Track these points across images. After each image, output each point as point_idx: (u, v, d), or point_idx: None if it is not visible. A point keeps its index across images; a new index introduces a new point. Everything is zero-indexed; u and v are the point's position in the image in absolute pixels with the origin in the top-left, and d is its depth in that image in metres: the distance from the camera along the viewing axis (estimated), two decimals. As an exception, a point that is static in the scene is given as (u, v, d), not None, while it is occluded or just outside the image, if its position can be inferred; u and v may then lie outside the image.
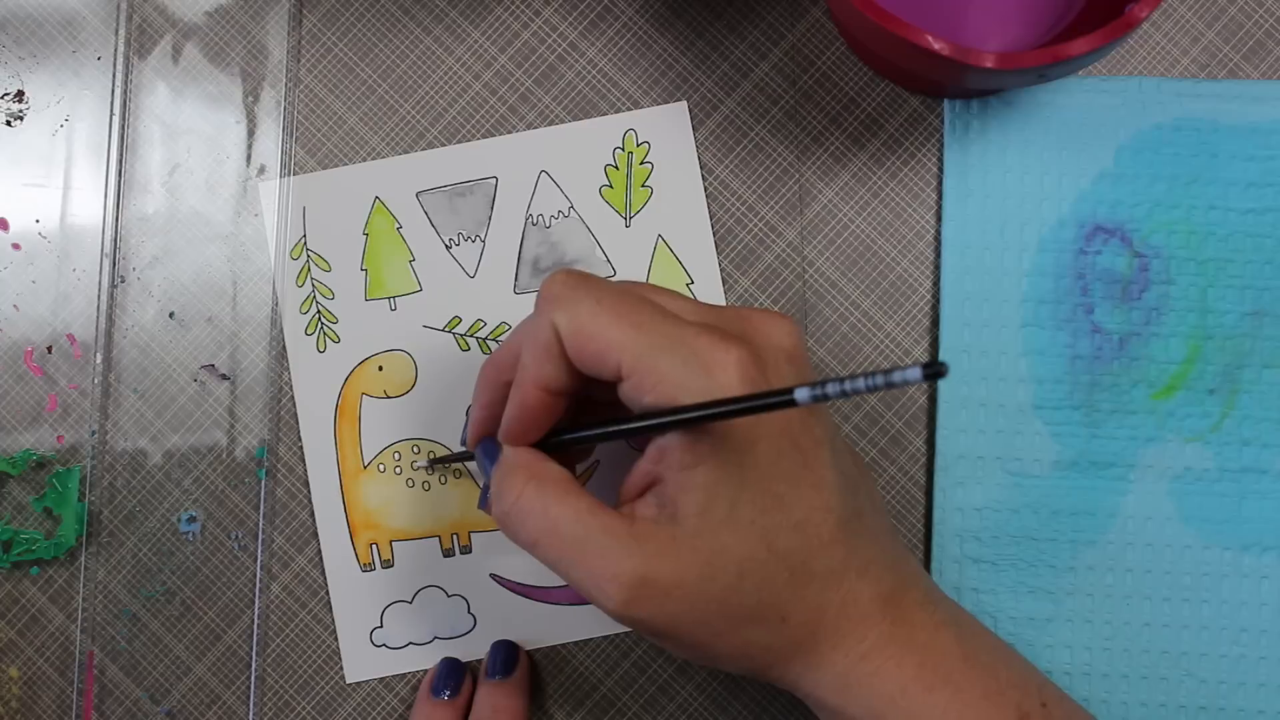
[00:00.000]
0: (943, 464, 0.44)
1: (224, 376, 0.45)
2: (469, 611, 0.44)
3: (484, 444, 0.38)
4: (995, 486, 0.44)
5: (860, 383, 0.27)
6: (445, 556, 0.44)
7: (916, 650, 0.34)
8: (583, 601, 0.44)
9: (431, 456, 0.44)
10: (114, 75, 0.45)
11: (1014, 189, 0.44)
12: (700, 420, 0.32)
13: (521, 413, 0.35)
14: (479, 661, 0.44)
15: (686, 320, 0.34)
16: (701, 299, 0.45)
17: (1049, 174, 0.44)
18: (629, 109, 0.45)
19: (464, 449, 0.43)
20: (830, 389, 0.28)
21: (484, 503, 0.37)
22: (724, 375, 0.32)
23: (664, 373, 0.32)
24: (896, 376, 0.27)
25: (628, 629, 0.44)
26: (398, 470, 0.45)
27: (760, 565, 0.33)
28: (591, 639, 0.44)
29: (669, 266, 0.45)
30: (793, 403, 0.29)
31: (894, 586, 0.35)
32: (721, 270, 0.45)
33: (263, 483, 0.45)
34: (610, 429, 0.35)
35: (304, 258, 0.45)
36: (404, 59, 0.46)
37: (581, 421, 0.36)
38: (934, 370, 0.26)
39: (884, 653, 0.34)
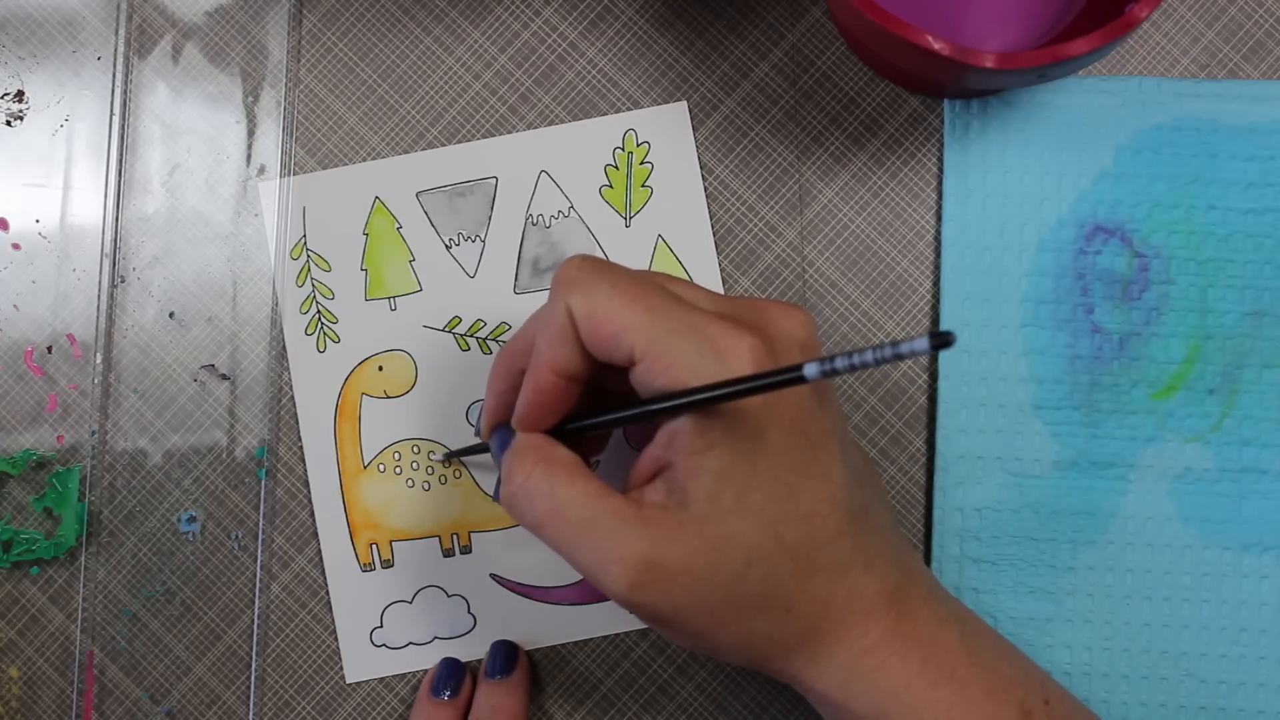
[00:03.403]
0: (943, 464, 0.44)
1: (224, 376, 0.45)
2: (469, 611, 0.44)
3: (498, 432, 0.38)
4: (995, 486, 0.44)
5: (869, 355, 0.27)
6: (445, 556, 0.44)
7: (920, 646, 0.34)
8: (583, 601, 0.44)
9: (447, 450, 0.44)
10: (114, 75, 0.45)
11: (1014, 189, 0.44)
12: (711, 401, 0.31)
13: (535, 397, 0.35)
14: (479, 661, 0.44)
15: (701, 308, 0.34)
16: (701, 299, 0.45)
17: (1049, 174, 0.44)
18: (629, 109, 0.45)
19: (479, 441, 0.43)
20: (839, 363, 0.28)
21: (498, 492, 0.37)
22: (736, 362, 0.32)
23: (676, 357, 0.32)
24: (904, 348, 0.26)
25: (628, 629, 0.44)
26: (398, 470, 0.45)
27: (767, 554, 0.33)
28: (591, 639, 0.44)
29: (669, 266, 0.45)
30: (802, 379, 0.29)
31: (899, 582, 0.35)
32: (721, 270, 0.45)
33: (263, 483, 0.45)
34: (621, 414, 0.34)
35: (304, 258, 0.45)
36: (404, 59, 0.46)
37: (594, 412, 0.36)
38: (941, 340, 0.26)
39: (888, 648, 0.34)
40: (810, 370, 0.29)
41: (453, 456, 0.44)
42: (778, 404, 0.33)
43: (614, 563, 0.32)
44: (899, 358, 0.27)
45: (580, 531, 0.33)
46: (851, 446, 0.36)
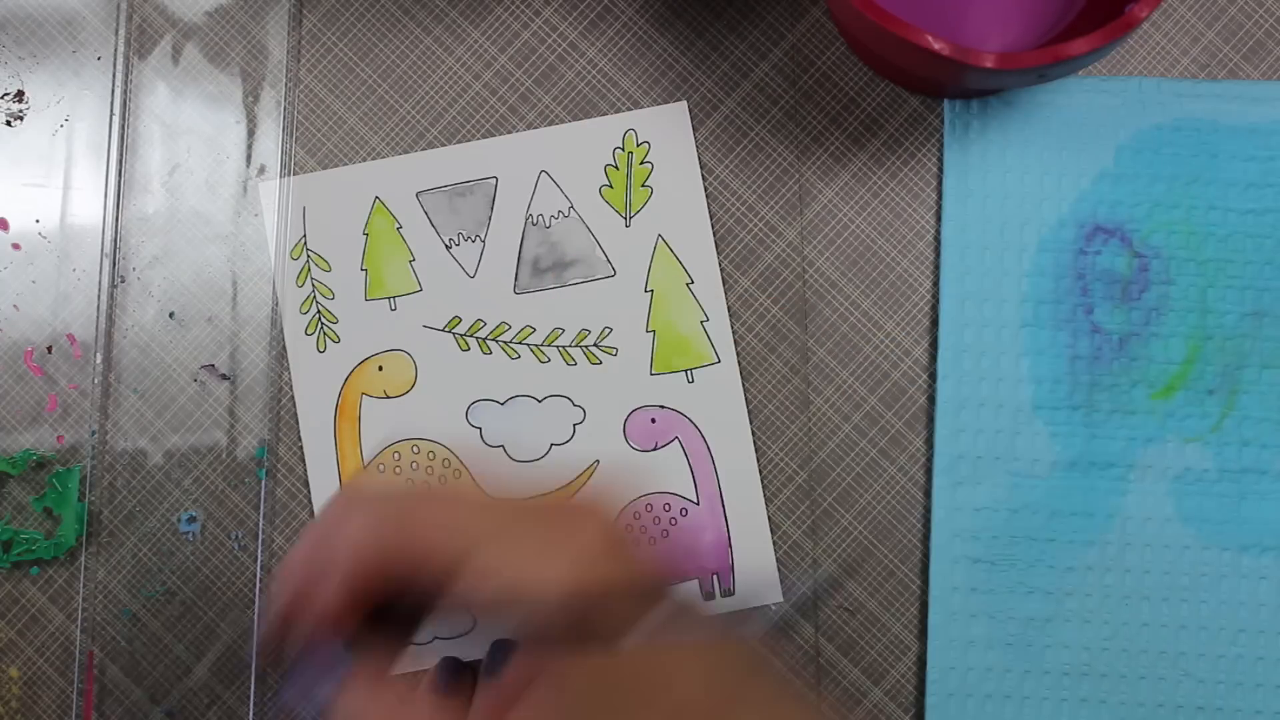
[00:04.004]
0: (943, 464, 0.44)
1: (224, 376, 0.45)
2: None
3: (310, 652, 0.35)
4: (995, 486, 0.44)
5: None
6: (445, 556, 0.44)
7: None
8: (582, 601, 0.44)
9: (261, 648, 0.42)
10: (114, 75, 0.45)
11: (1014, 189, 0.44)
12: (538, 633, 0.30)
13: (329, 612, 0.33)
14: (479, 661, 0.44)
15: (509, 508, 0.32)
16: (702, 299, 0.45)
17: (1049, 174, 0.44)
18: (629, 109, 0.45)
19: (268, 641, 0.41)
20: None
21: (286, 696, 0.36)
22: (556, 565, 0.30)
23: (505, 561, 0.31)
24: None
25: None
26: (397, 470, 0.45)
27: None
28: (591, 639, 0.44)
29: (669, 266, 0.45)
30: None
31: None
32: (721, 270, 0.45)
33: (263, 483, 0.45)
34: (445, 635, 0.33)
35: (304, 258, 0.45)
36: (404, 59, 0.46)
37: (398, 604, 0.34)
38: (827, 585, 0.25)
39: None
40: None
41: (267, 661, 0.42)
42: (608, 617, 0.31)
43: None
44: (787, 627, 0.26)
45: None
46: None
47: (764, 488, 0.44)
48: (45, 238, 0.45)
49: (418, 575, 0.31)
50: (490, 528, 0.31)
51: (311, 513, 0.44)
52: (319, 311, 0.45)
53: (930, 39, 0.36)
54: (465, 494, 0.32)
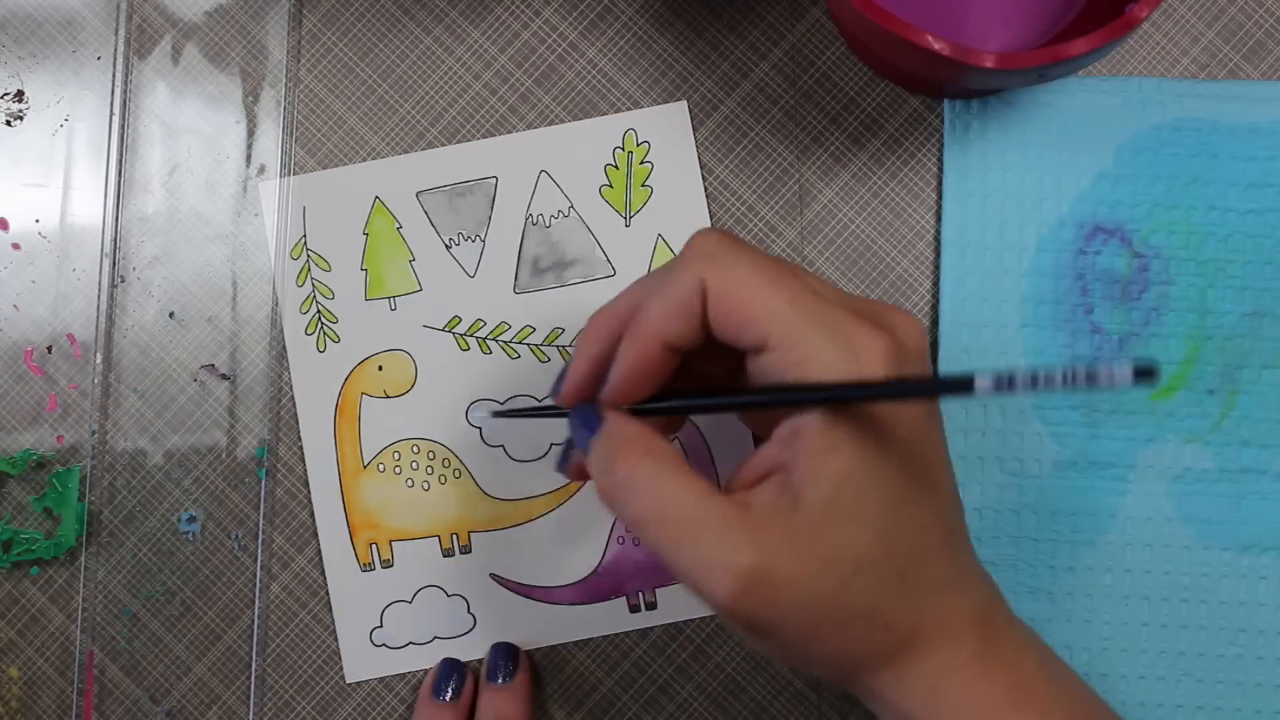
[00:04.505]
0: (942, 464, 0.44)
1: (224, 376, 0.45)
2: (469, 611, 0.44)
3: (581, 410, 0.35)
4: (995, 487, 0.44)
5: (1057, 377, 0.24)
6: (445, 556, 0.44)
7: (1005, 669, 0.33)
8: (583, 601, 0.44)
9: (498, 409, 0.42)
10: (114, 75, 0.45)
11: (1014, 189, 0.44)
12: (859, 398, 0.30)
13: (637, 368, 0.33)
14: (479, 661, 0.44)
15: (835, 303, 0.32)
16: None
17: (1049, 174, 0.44)
18: (629, 109, 0.45)
19: (545, 403, 0.41)
20: (1019, 380, 0.26)
21: (563, 465, 0.35)
22: (871, 362, 0.31)
23: (811, 350, 0.31)
24: (1103, 375, 0.23)
25: (628, 629, 0.44)
26: (397, 470, 0.45)
27: (874, 566, 0.31)
28: (591, 639, 0.44)
29: (669, 266, 0.45)
30: (969, 390, 0.27)
31: (986, 604, 0.34)
32: (721, 270, 0.45)
33: (263, 483, 0.45)
34: (738, 398, 0.33)
35: (304, 258, 0.45)
36: (404, 59, 0.46)
37: (672, 391, 0.34)
38: (1146, 369, 0.23)
39: (973, 668, 0.33)
40: (983, 383, 0.27)
41: (504, 415, 0.42)
42: (901, 411, 0.32)
43: (721, 570, 0.30)
44: (1093, 385, 0.24)
45: (687, 533, 0.31)
46: (950, 464, 0.35)
47: (764, 488, 0.44)
48: (45, 238, 0.45)
49: (719, 345, 0.32)
50: (806, 318, 0.31)
51: (311, 513, 0.44)
52: (319, 311, 0.45)
53: (930, 39, 0.36)
54: (793, 282, 0.32)
